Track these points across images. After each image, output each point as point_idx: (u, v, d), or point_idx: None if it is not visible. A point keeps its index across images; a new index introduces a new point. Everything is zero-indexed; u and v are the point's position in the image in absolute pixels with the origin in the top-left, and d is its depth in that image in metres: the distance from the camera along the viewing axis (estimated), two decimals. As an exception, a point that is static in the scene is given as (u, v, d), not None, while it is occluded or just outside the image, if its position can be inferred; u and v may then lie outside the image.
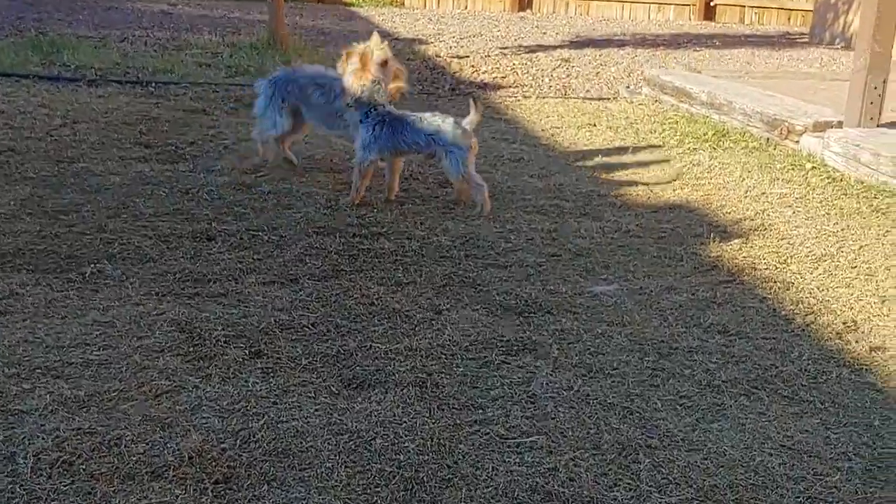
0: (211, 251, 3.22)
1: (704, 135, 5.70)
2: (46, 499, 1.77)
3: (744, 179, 4.62)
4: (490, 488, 1.86)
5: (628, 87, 7.87)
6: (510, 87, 7.78)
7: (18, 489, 1.79)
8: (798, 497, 1.88)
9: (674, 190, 4.40)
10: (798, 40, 14.26)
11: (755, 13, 18.06)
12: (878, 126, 5.01)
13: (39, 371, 2.26)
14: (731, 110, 5.98)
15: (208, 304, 2.75)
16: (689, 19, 17.72)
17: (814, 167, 4.88)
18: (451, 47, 10.16)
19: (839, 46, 13.37)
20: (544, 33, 11.60)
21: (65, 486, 1.82)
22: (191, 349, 2.43)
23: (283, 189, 4.08)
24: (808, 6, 17.53)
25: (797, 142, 5.24)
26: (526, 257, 3.34)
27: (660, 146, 5.38)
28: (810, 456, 2.03)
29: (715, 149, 5.33)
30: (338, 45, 6.46)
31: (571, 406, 2.21)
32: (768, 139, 5.47)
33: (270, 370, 2.33)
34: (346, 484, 1.85)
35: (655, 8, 17.76)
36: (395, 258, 3.27)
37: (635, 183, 4.49)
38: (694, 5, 17.93)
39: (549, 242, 3.52)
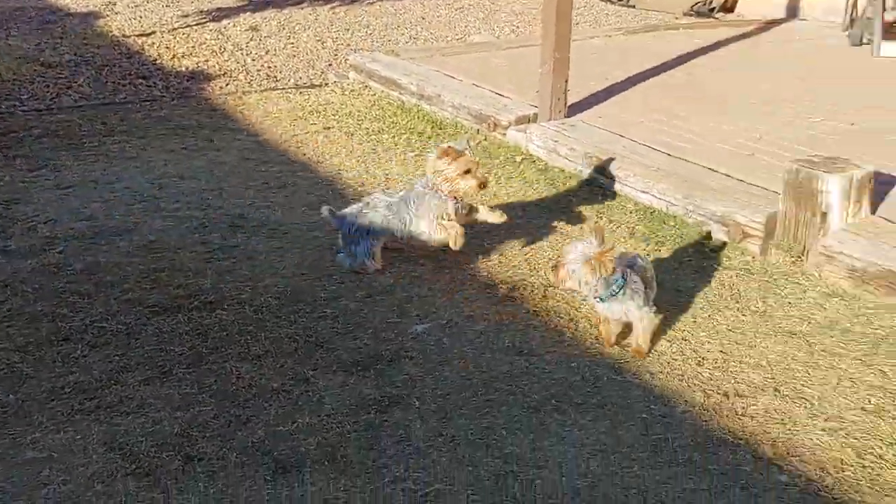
0: (76, 355, 3.62)
1: (424, 131, 6.58)
2: None
3: (475, 181, 5.55)
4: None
5: (336, 71, 8.52)
6: (219, 76, 8.12)
7: None
8: (615, 486, 2.85)
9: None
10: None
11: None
12: (566, 118, 6.17)
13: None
14: (441, 102, 6.90)
15: (114, 416, 3.22)
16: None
17: (523, 159, 5.96)
18: (130, 21, 10.09)
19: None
20: None
21: None
22: (135, 467, 2.95)
23: (92, 261, 4.42)
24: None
25: (504, 134, 6.29)
26: (347, 304, 4.05)
27: (395, 147, 6.17)
28: (614, 452, 3.03)
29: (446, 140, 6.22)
30: None
31: (448, 450, 3.04)
32: (479, 131, 6.48)
33: (213, 472, 2.92)
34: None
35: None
36: (240, 328, 3.84)
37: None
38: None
39: (356, 283, 4.24)
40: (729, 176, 5.01)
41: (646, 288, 3.51)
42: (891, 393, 3.30)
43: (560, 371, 3.50)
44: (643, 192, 5.06)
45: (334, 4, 12.37)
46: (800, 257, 4.30)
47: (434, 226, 4.18)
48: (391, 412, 3.24)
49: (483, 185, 4.16)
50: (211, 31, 9.85)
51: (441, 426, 3.16)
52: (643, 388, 3.38)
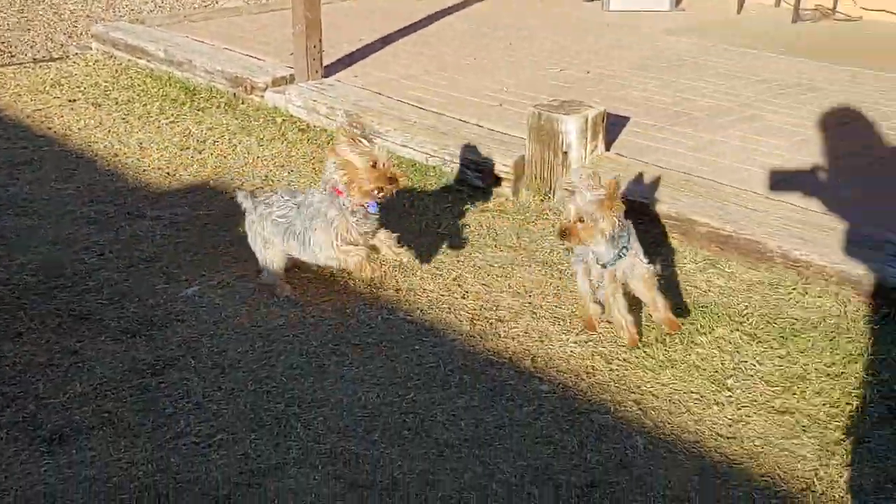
0: None
1: (177, 98, 6.44)
2: None
3: (236, 146, 5.54)
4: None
5: (77, 43, 8.11)
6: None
7: None
8: (393, 413, 3.02)
9: (188, 169, 5.16)
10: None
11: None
12: (323, 78, 6.24)
13: None
14: (193, 68, 6.76)
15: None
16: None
17: (284, 120, 5.98)
18: None
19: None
20: None
21: None
22: None
23: None
24: None
25: (262, 97, 6.28)
26: (110, 275, 3.95)
27: (147, 116, 6.01)
28: (391, 384, 3.20)
29: (197, 112, 6.14)
30: None
31: (228, 402, 3.09)
32: (235, 95, 6.42)
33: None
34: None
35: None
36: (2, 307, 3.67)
37: (159, 169, 5.15)
38: None
39: (118, 253, 4.14)
40: (480, 126, 5.29)
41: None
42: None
43: (336, 318, 3.60)
44: (403, 145, 5.23)
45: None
46: (547, 195, 4.63)
47: (333, 247, 3.42)
48: (167, 373, 3.23)
49: (394, 180, 3.33)
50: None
51: (220, 380, 3.19)
52: (415, 324, 3.56)
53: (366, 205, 3.39)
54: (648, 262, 3.30)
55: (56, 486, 2.66)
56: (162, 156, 5.33)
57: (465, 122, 5.36)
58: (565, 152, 4.52)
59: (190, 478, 2.70)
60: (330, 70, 6.38)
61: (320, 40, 6.16)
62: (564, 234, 3.18)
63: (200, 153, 5.40)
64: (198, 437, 2.88)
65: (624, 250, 3.23)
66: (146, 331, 3.49)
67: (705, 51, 7.08)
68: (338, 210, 3.37)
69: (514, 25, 8.05)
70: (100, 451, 2.82)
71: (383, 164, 3.30)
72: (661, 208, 4.14)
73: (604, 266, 3.26)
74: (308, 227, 3.47)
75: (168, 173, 5.09)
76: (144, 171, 5.12)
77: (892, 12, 8.16)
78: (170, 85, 6.71)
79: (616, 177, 3.19)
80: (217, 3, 10.03)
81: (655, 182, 4.36)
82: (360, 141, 3.29)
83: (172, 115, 6.08)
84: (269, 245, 3.68)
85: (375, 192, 3.32)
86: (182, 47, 7.06)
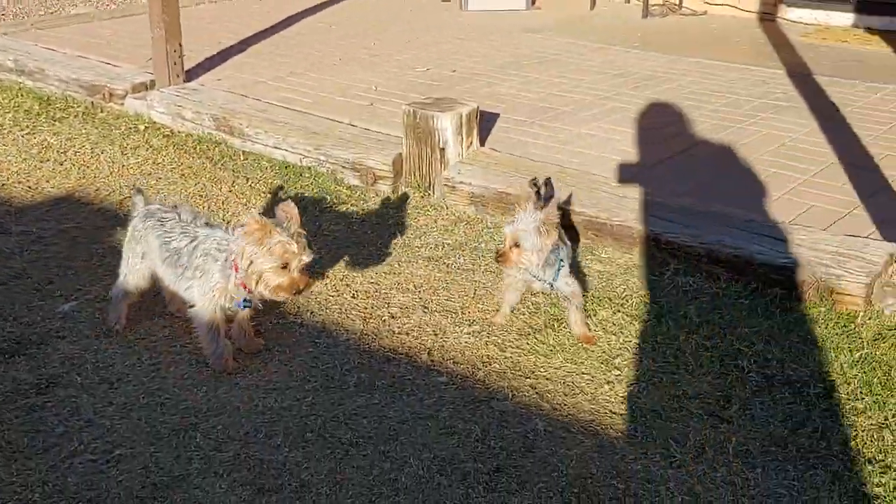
0: None
1: (31, 108, 6.17)
2: None
3: (98, 155, 5.35)
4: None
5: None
6: None
7: None
8: (293, 417, 3.00)
9: (50, 181, 4.94)
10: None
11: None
12: (185, 82, 6.10)
13: None
14: (46, 77, 6.49)
15: None
16: None
17: (147, 127, 5.82)
18: None
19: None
20: None
21: None
22: None
23: None
24: None
25: (122, 104, 6.08)
26: (-23, 294, 3.76)
27: (0, 129, 5.72)
28: (288, 388, 3.17)
29: (53, 122, 5.90)
30: None
31: (122, 416, 2.99)
32: (93, 103, 6.20)
33: None
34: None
35: None
36: None
37: (20, 183, 4.91)
38: None
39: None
40: (354, 125, 5.29)
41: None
42: (496, 292, 3.76)
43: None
44: (275, 147, 5.18)
45: None
46: (427, 191, 4.69)
47: (203, 305, 3.13)
48: (52, 392, 3.11)
49: (299, 289, 3.02)
50: None
51: (110, 395, 3.10)
52: (307, 327, 3.54)
53: (240, 299, 3.12)
54: (574, 282, 3.38)
55: (-57, 518, 2.52)
56: (21, 168, 5.10)
57: (337, 121, 5.36)
58: (442, 148, 4.58)
59: (90, 496, 2.62)
60: (192, 74, 6.25)
61: (180, 44, 6.03)
62: (500, 258, 3.23)
63: (62, 164, 5.20)
64: (94, 455, 2.80)
65: (557, 273, 3.31)
66: (24, 350, 3.35)
67: (565, 48, 7.31)
68: (224, 279, 3.09)
69: (375, 27, 8.08)
70: (-14, 479, 2.68)
71: (294, 269, 2.97)
72: (539, 199, 4.25)
73: (550, 280, 3.32)
74: (193, 266, 3.14)
75: (29, 186, 4.87)
76: (3, 185, 4.88)
77: (733, 6, 8.64)
78: (21, 95, 6.42)
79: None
80: (64, 10, 9.62)
81: (532, 173, 4.47)
82: (274, 234, 2.92)
83: (28, 126, 5.82)
84: (145, 258, 3.34)
85: (273, 294, 3.02)
86: (33, 55, 6.76)
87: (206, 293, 3.10)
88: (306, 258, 2.96)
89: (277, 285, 2.97)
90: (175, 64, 6.01)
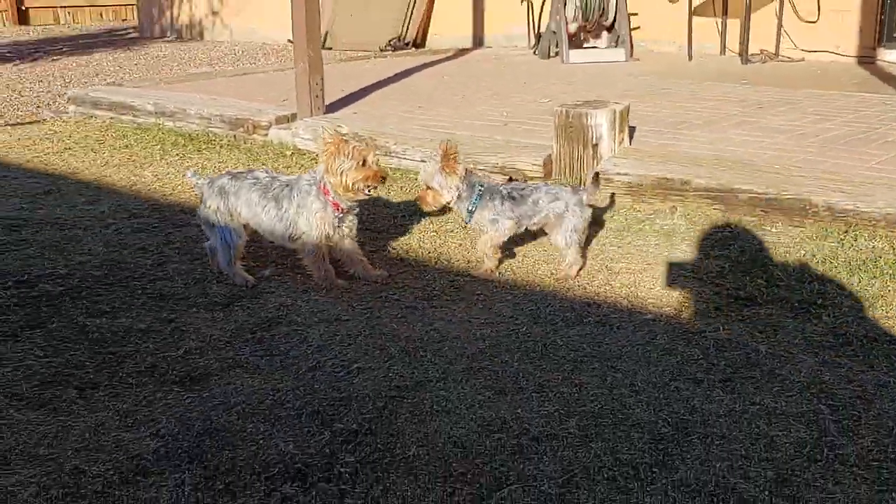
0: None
1: (177, 141, 6.50)
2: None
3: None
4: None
5: (50, 108, 8.11)
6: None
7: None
8: (516, 341, 3.10)
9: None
10: (132, 35, 15.16)
11: (69, 13, 18.56)
12: (324, 114, 6.41)
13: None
14: (187, 116, 6.84)
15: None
16: (4, 24, 17.50)
17: (293, 153, 6.09)
18: None
19: (172, 38, 14.70)
20: None
21: None
22: (24, 403, 2.73)
23: None
24: (115, 1, 18.62)
25: (266, 134, 6.39)
26: (178, 266, 3.93)
27: (151, 156, 6.03)
28: (500, 322, 3.27)
29: (200, 152, 6.20)
30: None
31: (349, 344, 3.10)
32: (235, 136, 6.51)
33: (116, 393, 2.77)
34: None
35: (-35, 18, 17.18)
36: (72, 296, 3.59)
37: (186, 193, 5.16)
38: (6, 11, 17.73)
39: (178, 251, 4.11)
40: (496, 138, 5.50)
41: (507, 202, 3.68)
42: (679, 259, 3.84)
43: (415, 280, 3.67)
44: (423, 161, 5.37)
45: (15, 64, 11.73)
46: (578, 189, 4.83)
47: (313, 230, 3.55)
48: (276, 328, 3.25)
49: (383, 177, 3.50)
50: None
51: (333, 329, 3.21)
52: (501, 283, 3.65)
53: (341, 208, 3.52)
54: (497, 223, 3.66)
55: (206, 411, 2.64)
56: (183, 182, 5.35)
57: (478, 136, 5.56)
58: (595, 144, 4.75)
59: (340, 396, 2.72)
60: (329, 109, 6.54)
61: (321, 78, 6.34)
62: (418, 200, 3.70)
63: (221, 178, 5.42)
64: (333, 369, 2.91)
65: (473, 205, 3.64)
66: (238, 302, 3.51)
67: (675, 86, 7.53)
68: (322, 205, 3.51)
69: (487, 76, 8.40)
70: (238, 384, 2.82)
71: (373, 162, 3.43)
72: (701, 182, 4.37)
73: (468, 212, 3.66)
74: (295, 205, 3.54)
75: (196, 195, 5.10)
76: (171, 194, 5.14)
77: (831, 52, 8.83)
78: (163, 133, 6.77)
79: (448, 141, 3.60)
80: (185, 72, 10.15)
81: (689, 163, 4.61)
82: (348, 142, 3.40)
83: (177, 154, 6.12)
84: (233, 217, 3.67)
85: (364, 188, 3.46)
86: (172, 99, 7.14)
87: (311, 223, 3.50)
88: (376, 152, 3.45)
89: (364, 177, 3.41)
90: (317, 97, 6.32)
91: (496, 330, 3.19)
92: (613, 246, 4.05)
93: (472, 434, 2.49)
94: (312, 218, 3.52)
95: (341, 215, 3.55)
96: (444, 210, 3.91)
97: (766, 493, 2.21)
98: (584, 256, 3.76)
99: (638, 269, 3.77)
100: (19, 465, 2.37)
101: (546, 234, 3.81)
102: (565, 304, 3.43)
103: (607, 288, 3.60)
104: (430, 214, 4.20)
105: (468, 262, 3.91)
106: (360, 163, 3.41)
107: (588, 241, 4.06)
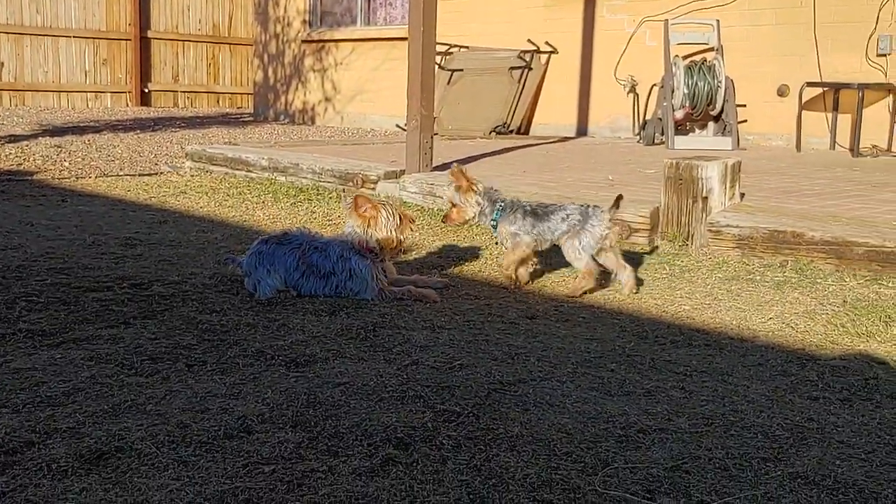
0: (13, 316, 3.36)
1: (288, 192, 6.70)
2: None
3: (361, 217, 5.70)
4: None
5: (168, 162, 8.50)
6: (40, 171, 7.86)
7: None
8: (621, 355, 3.04)
9: (326, 230, 5.30)
10: (246, 119, 15.84)
11: (187, 97, 19.55)
12: (431, 170, 6.54)
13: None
14: (299, 171, 7.07)
15: (88, 346, 3.02)
16: (127, 105, 18.51)
17: (401, 205, 6.19)
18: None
19: (285, 122, 15.29)
20: (2, 125, 11.54)
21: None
22: (135, 371, 2.78)
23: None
24: (232, 89, 19.59)
25: (374, 188, 6.54)
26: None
27: (264, 203, 6.23)
28: (604, 340, 3.22)
29: (310, 202, 6.37)
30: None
31: (450, 347, 3.09)
32: (345, 189, 6.68)
33: (225, 369, 2.81)
34: None
35: (93, 96, 18.22)
36: (183, 297, 3.70)
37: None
38: (130, 92, 18.81)
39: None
40: (600, 195, 5.50)
41: (529, 217, 3.89)
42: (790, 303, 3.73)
43: (517, 302, 3.65)
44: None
45: (135, 132, 12.37)
46: (685, 242, 4.78)
47: (372, 287, 3.73)
48: (380, 331, 3.27)
49: (411, 220, 3.85)
50: (13, 148, 9.51)
51: (436, 335, 3.22)
52: (606, 309, 3.61)
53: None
54: (517, 237, 3.89)
55: (312, 388, 2.65)
56: (294, 221, 5.50)
57: (584, 193, 5.58)
58: (705, 197, 4.71)
59: (442, 385, 2.70)
60: (434, 169, 6.67)
61: (431, 136, 6.50)
62: (445, 219, 4.04)
63: (331, 221, 5.57)
64: (435, 365, 2.89)
65: (494, 220, 3.90)
66: (343, 311, 3.55)
67: (785, 168, 7.44)
68: (369, 264, 3.75)
69: (590, 153, 8.46)
70: (343, 369, 2.83)
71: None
72: (815, 235, 4.28)
73: (493, 224, 3.95)
74: (339, 272, 3.72)
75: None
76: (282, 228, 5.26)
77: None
78: (275, 185, 7.00)
79: (457, 164, 4.01)
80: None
81: (801, 217, 4.53)
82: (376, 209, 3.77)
83: (289, 202, 6.31)
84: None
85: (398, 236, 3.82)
86: (286, 156, 7.41)
87: (368, 281, 3.68)
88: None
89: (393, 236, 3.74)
90: (425, 154, 6.47)
91: (601, 345, 3.14)
92: (722, 290, 3.96)
93: (577, 423, 2.43)
94: (367, 277, 3.70)
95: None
96: (467, 224, 4.18)
97: (891, 491, 2.08)
98: (595, 276, 3.82)
99: (747, 308, 3.68)
100: (128, 416, 2.41)
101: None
102: (673, 328, 3.36)
103: (716, 318, 3.52)
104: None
105: (572, 291, 3.87)
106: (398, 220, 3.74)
107: (697, 288, 3.99)
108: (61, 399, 2.51)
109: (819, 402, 2.65)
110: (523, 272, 3.96)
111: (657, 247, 4.80)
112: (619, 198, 3.85)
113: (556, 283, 4.08)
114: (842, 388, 2.77)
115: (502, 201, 3.93)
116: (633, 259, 4.44)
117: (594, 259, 3.85)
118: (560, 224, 3.84)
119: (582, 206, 3.91)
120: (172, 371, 2.78)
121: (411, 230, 3.85)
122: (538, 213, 3.87)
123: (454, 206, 3.96)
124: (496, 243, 4.09)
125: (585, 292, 3.83)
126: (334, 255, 3.68)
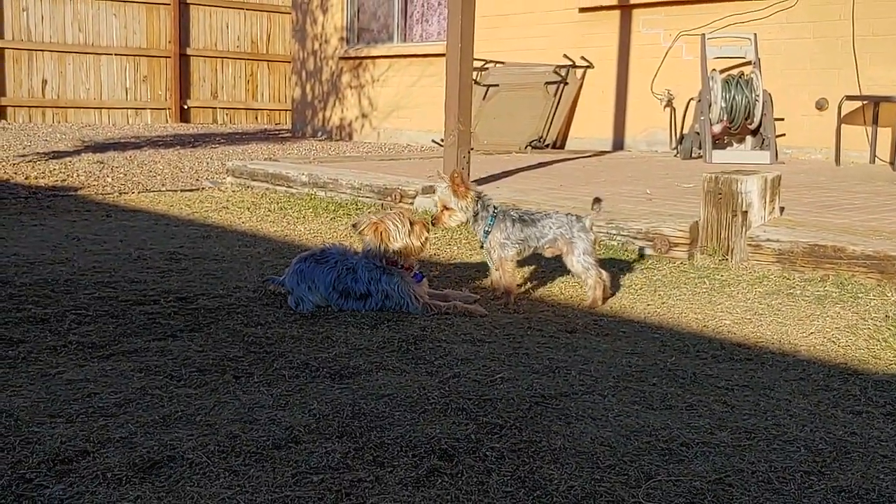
0: (63, 329, 3.45)
1: (328, 207, 6.78)
2: None
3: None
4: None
5: (209, 178, 8.62)
6: (85, 187, 8.01)
7: None
8: (663, 370, 3.05)
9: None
10: (284, 135, 16.01)
11: (226, 114, 19.79)
12: (470, 185, 6.57)
13: None
14: (339, 186, 7.15)
15: (138, 357, 3.10)
16: (167, 121, 18.79)
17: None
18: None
19: (323, 138, 15.43)
20: (46, 141, 11.75)
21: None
22: (184, 383, 2.84)
23: (39, 277, 4.22)
24: (270, 106, 19.82)
25: (411, 203, 6.59)
26: (327, 295, 4.07)
27: (303, 218, 6.30)
28: (645, 354, 3.23)
29: (349, 216, 6.42)
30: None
31: (491, 361, 3.13)
32: (383, 204, 6.74)
33: (271, 380, 2.86)
34: None
35: (133, 113, 18.50)
36: (229, 310, 3.77)
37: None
38: (170, 109, 19.11)
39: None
40: (639, 209, 5.51)
41: (518, 224, 3.93)
42: (831, 317, 3.72)
43: (552, 315, 3.68)
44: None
45: (176, 148, 12.55)
46: (725, 257, 4.77)
47: (405, 299, 3.81)
48: (420, 344, 3.30)
49: (423, 223, 3.87)
50: (57, 164, 9.71)
51: (476, 348, 3.25)
52: (648, 325, 3.62)
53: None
54: (505, 248, 3.93)
55: (356, 399, 2.69)
56: (338, 237, 5.56)
57: (622, 206, 5.60)
58: (745, 211, 4.70)
59: (485, 398, 2.73)
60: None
61: (468, 151, 6.55)
62: (434, 220, 3.98)
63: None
64: (476, 378, 2.92)
65: (488, 227, 3.91)
66: (384, 324, 3.59)
67: (826, 183, 7.39)
68: (398, 279, 3.82)
69: (627, 168, 8.46)
70: (384, 381, 2.87)
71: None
72: (856, 249, 4.26)
73: (481, 245, 3.99)
74: (372, 291, 3.79)
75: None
76: (324, 242, 5.32)
77: None
78: (315, 200, 7.08)
79: (455, 169, 4.02)
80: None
81: (842, 231, 4.51)
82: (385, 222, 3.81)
83: (329, 217, 6.38)
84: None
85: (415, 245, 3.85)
86: (325, 172, 7.49)
87: (401, 293, 3.74)
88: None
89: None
90: (463, 169, 6.51)
91: (642, 359, 3.15)
92: (763, 305, 3.96)
93: (620, 437, 2.45)
94: (401, 292, 3.76)
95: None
96: (456, 227, 4.20)
97: (939, 506, 2.08)
98: (603, 280, 3.90)
99: (788, 322, 3.68)
100: (179, 426, 2.46)
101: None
102: (714, 343, 3.37)
103: (756, 333, 3.52)
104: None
105: (610, 307, 3.89)
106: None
107: (737, 303, 3.99)
108: (113, 409, 2.57)
109: (862, 416, 2.64)
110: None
111: (697, 262, 4.79)
112: (597, 200, 3.99)
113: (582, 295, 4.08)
114: (885, 402, 2.76)
115: (495, 208, 3.95)
116: (674, 273, 4.45)
117: (597, 266, 3.91)
118: (546, 231, 3.92)
119: (568, 214, 3.98)
120: (220, 382, 2.84)
121: (427, 232, 3.83)
122: (526, 220, 3.94)
123: (446, 208, 3.96)
124: (480, 246, 4.07)
125: (605, 300, 3.92)
126: (365, 278, 3.74)
